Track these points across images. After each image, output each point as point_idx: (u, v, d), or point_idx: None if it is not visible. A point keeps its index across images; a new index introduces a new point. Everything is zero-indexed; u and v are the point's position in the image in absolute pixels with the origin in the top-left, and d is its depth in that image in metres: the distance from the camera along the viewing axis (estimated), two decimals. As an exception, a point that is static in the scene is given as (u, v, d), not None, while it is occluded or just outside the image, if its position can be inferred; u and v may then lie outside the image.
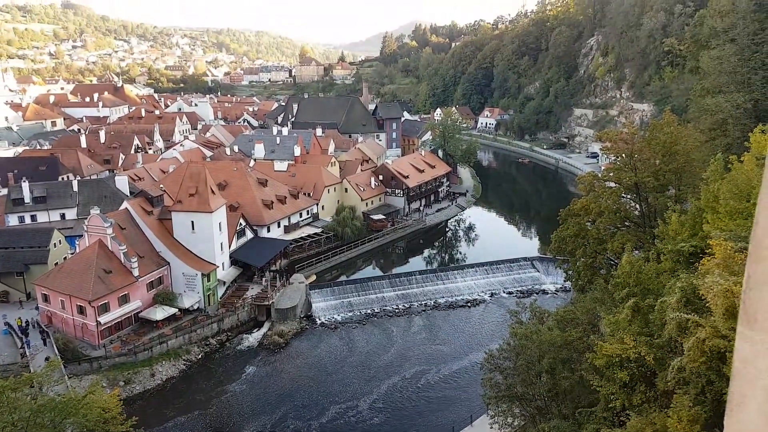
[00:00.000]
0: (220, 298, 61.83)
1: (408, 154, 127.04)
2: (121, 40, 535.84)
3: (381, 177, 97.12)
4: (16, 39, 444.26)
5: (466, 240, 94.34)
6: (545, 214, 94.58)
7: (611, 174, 47.11)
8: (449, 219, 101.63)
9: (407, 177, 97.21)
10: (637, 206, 47.20)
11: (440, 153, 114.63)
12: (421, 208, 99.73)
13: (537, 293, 69.10)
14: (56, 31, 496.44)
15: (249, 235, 70.97)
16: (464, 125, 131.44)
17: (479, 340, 58.26)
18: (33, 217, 70.92)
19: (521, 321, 35.61)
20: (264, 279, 65.79)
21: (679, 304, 20.31)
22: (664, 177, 43.53)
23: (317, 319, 62.92)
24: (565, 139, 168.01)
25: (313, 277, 69.77)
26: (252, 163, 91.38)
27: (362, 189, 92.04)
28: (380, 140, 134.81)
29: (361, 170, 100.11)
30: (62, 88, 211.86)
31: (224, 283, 63.19)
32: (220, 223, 60.84)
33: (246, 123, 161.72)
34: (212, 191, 60.05)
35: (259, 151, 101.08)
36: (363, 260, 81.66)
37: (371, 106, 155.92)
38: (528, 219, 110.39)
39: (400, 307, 66.29)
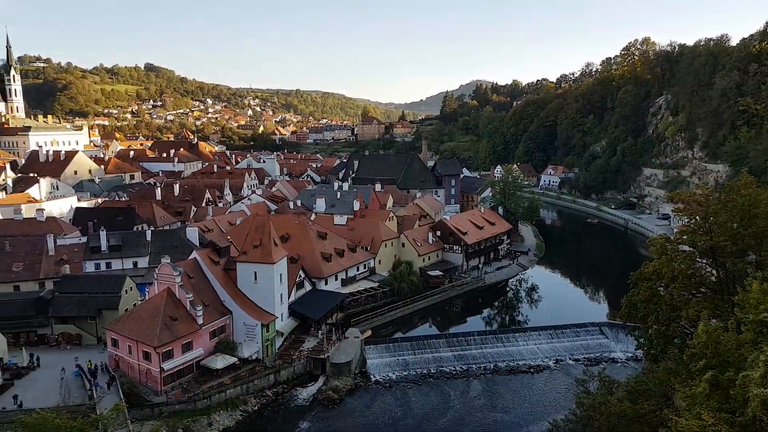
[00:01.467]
0: (278, 350, 62.29)
1: (467, 210, 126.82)
2: (198, 100, 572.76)
3: (439, 233, 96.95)
4: (103, 99, 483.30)
5: (528, 301, 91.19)
6: (614, 276, 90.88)
7: (685, 237, 44.92)
8: (510, 278, 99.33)
9: (466, 233, 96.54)
10: (714, 272, 44.53)
11: (501, 210, 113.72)
12: (480, 266, 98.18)
13: (605, 361, 65.80)
14: (139, 91, 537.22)
15: (307, 287, 71.92)
16: (526, 182, 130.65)
17: (543, 410, 55.37)
18: (108, 264, 74.77)
19: (588, 390, 33.91)
20: (320, 332, 65.96)
21: (763, 380, 18.82)
22: (743, 241, 41.08)
23: (372, 376, 61.98)
24: (635, 199, 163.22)
25: (369, 332, 69.29)
26: (313, 216, 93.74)
27: (419, 244, 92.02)
28: (438, 196, 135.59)
29: (419, 226, 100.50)
30: (141, 144, 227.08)
31: (282, 334, 63.76)
32: (281, 275, 62.10)
33: (309, 178, 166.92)
34: (275, 243, 61.71)
35: (320, 205, 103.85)
36: (419, 317, 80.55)
37: (430, 163, 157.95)
38: (595, 281, 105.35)
39: (457, 368, 64.43)
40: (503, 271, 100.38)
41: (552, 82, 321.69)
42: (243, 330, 59.34)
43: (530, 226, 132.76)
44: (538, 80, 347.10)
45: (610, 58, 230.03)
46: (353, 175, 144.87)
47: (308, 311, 67.47)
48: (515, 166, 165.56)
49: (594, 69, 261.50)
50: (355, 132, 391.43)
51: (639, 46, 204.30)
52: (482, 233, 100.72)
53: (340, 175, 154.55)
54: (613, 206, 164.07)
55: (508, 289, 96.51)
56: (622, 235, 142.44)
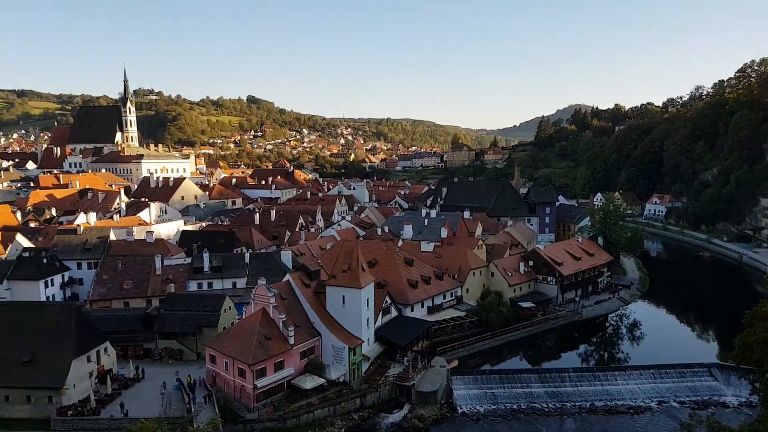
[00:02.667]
0: (364, 374, 62.50)
1: (563, 240, 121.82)
2: (294, 130, 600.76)
3: (531, 263, 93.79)
4: (209, 129, 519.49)
5: (629, 338, 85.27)
6: (726, 315, 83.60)
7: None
8: (610, 313, 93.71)
9: (561, 264, 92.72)
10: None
11: (600, 240, 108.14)
12: (577, 299, 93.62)
13: (715, 405, 60.11)
14: (241, 122, 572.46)
15: (393, 312, 71.96)
16: (629, 211, 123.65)
17: (643, 453, 51.30)
18: (210, 284, 79.16)
19: (697, 436, 30.87)
20: (406, 359, 65.47)
21: None
22: None
23: (458, 408, 60.37)
24: (750, 232, 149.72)
25: (455, 362, 67.82)
26: (400, 242, 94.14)
27: (510, 274, 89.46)
28: (531, 224, 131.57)
29: (510, 255, 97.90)
30: (242, 172, 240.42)
31: (368, 358, 63.99)
32: (368, 299, 62.69)
33: (397, 205, 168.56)
34: (363, 268, 62.55)
35: (408, 231, 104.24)
36: (509, 350, 77.83)
37: (523, 190, 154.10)
38: (704, 319, 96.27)
39: (550, 405, 61.29)
40: (602, 305, 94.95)
41: (658, 107, 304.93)
42: (331, 352, 60.29)
43: (633, 258, 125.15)
44: (642, 104, 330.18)
45: (723, 80, 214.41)
46: (441, 202, 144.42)
47: (394, 337, 67.36)
48: (617, 193, 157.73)
49: (704, 92, 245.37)
50: (444, 159, 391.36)
51: (756, 68, 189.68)
52: (579, 264, 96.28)
53: (428, 201, 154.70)
54: (725, 238, 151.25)
55: (607, 324, 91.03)
56: (735, 269, 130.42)
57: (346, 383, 59.78)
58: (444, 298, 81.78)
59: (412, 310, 75.29)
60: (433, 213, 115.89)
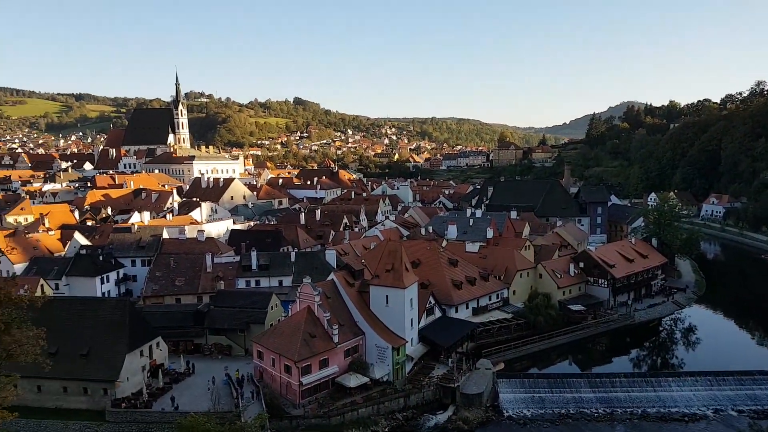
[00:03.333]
0: (407, 374, 62.26)
1: (615, 241, 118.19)
2: (339, 131, 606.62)
3: (582, 264, 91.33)
4: (257, 131, 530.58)
5: (684, 343, 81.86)
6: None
7: None
8: (664, 317, 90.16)
9: (613, 266, 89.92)
10: None
11: (654, 242, 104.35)
12: (629, 302, 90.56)
13: (777, 415, 56.84)
14: (288, 124, 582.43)
15: (437, 313, 71.39)
16: (684, 212, 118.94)
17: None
18: (257, 282, 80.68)
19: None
20: (450, 360, 64.84)
21: None
22: None
23: (504, 411, 59.31)
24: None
25: (501, 365, 66.66)
26: (444, 243, 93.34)
27: (559, 276, 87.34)
28: (582, 225, 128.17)
29: (559, 256, 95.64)
30: (289, 173, 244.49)
31: (412, 359, 63.71)
32: (411, 300, 62.43)
33: (441, 205, 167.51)
34: (406, 268, 62.33)
35: (452, 231, 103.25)
36: (557, 353, 75.95)
37: (573, 189, 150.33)
38: (766, 325, 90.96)
39: (599, 411, 59.48)
40: (656, 309, 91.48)
41: (715, 103, 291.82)
42: (375, 351, 60.35)
43: (689, 261, 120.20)
44: (699, 101, 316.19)
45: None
46: (487, 202, 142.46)
47: (438, 338, 66.85)
48: (672, 193, 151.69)
49: (766, 88, 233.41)
50: (491, 158, 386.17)
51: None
52: (632, 266, 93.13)
53: (474, 201, 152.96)
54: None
55: (660, 328, 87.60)
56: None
57: (390, 383, 59.71)
58: (490, 299, 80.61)
59: (456, 311, 74.54)
60: (479, 213, 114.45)
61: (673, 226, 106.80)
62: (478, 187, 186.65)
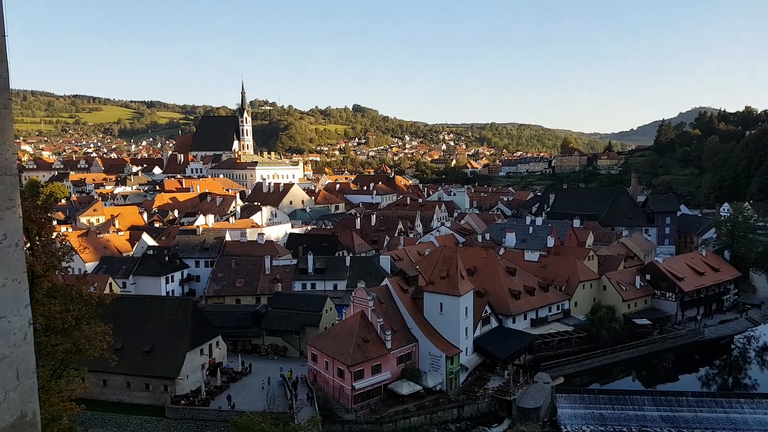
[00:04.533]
0: (462, 384, 61.11)
1: (684, 252, 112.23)
2: (397, 137, 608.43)
3: (648, 276, 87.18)
4: (316, 137, 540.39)
5: (758, 362, 76.60)
6: None
7: None
8: (736, 334, 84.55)
9: (682, 279, 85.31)
10: None
11: (727, 254, 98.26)
12: (699, 317, 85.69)
13: None
14: (347, 130, 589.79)
15: (493, 323, 69.78)
16: (760, 223, 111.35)
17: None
18: (313, 285, 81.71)
19: None
20: (506, 372, 63.16)
21: None
22: None
23: (562, 427, 57.16)
24: None
25: (561, 379, 64.38)
26: (502, 251, 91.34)
27: (624, 288, 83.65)
28: (649, 235, 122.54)
29: (624, 267, 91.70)
30: (346, 178, 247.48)
31: (466, 369, 62.50)
32: (466, 308, 61.28)
33: (499, 212, 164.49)
34: (462, 276, 61.28)
35: (510, 239, 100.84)
36: (620, 369, 72.60)
37: (640, 198, 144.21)
38: None
39: (664, 430, 56.35)
40: (728, 326, 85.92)
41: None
42: (428, 359, 59.60)
43: (765, 275, 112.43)
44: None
45: None
46: (548, 209, 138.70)
47: (494, 349, 65.29)
48: (747, 203, 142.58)
49: None
50: (553, 164, 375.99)
51: None
52: (702, 280, 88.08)
53: (534, 209, 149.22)
54: None
55: (732, 346, 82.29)
56: None
57: (443, 392, 58.79)
58: (549, 311, 78.05)
59: (513, 322, 72.60)
60: (539, 221, 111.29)
61: (747, 238, 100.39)
62: (539, 194, 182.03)
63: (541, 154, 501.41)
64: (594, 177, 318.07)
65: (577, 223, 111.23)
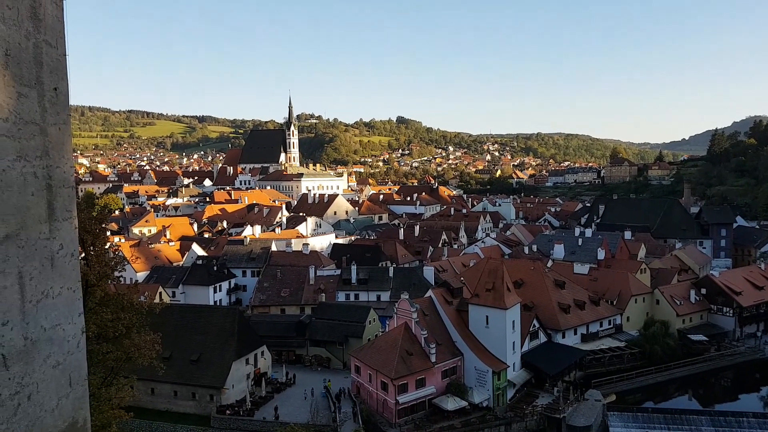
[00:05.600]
0: (509, 400, 59.64)
1: (741, 266, 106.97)
2: (440, 148, 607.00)
3: (704, 291, 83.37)
4: (360, 149, 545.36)
5: (827, 384, 72.03)
6: None
7: None
8: (801, 352, 79.88)
9: (740, 293, 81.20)
10: None
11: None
12: (759, 334, 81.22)
13: None
14: (390, 142, 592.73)
15: (542, 338, 67.95)
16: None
17: None
18: (356, 296, 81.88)
19: None
20: (555, 389, 61.33)
21: None
22: None
23: (615, 447, 54.98)
24: None
25: (613, 397, 62.07)
26: (550, 263, 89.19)
27: (678, 302, 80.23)
28: (704, 248, 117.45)
29: (678, 281, 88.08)
30: (389, 189, 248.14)
31: (513, 385, 61.01)
32: (513, 322, 59.96)
33: (547, 223, 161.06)
34: (508, 288, 60.06)
35: (559, 251, 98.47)
36: (675, 387, 69.45)
37: (694, 209, 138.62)
38: None
39: (725, 454, 53.42)
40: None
41: None
42: (474, 374, 58.49)
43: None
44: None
45: None
46: (598, 221, 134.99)
47: (543, 364, 63.53)
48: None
49: None
50: (602, 174, 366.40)
51: None
52: (762, 295, 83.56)
53: (583, 220, 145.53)
54: None
55: (799, 366, 77.57)
56: None
57: (490, 408, 57.49)
58: (600, 325, 75.47)
59: (563, 337, 70.51)
60: (589, 232, 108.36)
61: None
62: (588, 204, 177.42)
63: (590, 164, 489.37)
64: (645, 187, 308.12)
65: (628, 234, 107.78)
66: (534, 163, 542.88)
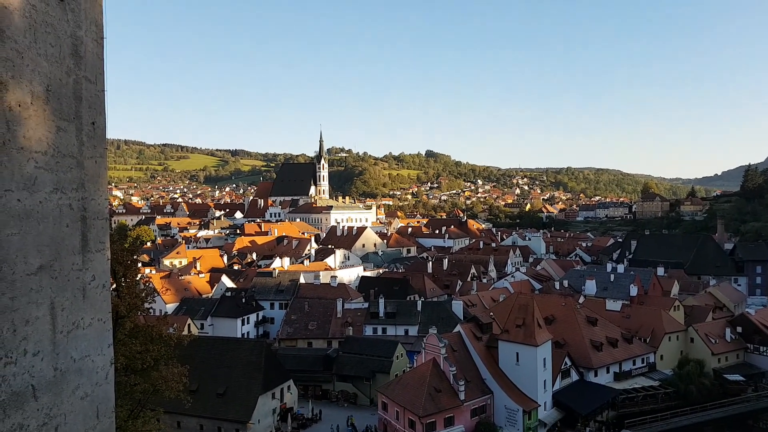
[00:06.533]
0: (540, 442, 57.71)
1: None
2: (469, 181, 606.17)
3: (740, 329, 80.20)
4: (389, 182, 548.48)
5: None
6: None
7: None
8: None
9: (780, 333, 77.85)
10: None
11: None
12: (801, 376, 77.39)
13: None
14: (419, 175, 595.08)
15: (574, 376, 65.93)
16: None
17: None
18: (384, 330, 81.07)
19: None
20: (588, 429, 59.19)
21: None
22: None
23: (653, 494, 52.31)
24: None
25: (649, 439, 59.44)
26: (581, 299, 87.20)
27: (713, 341, 77.23)
28: (739, 285, 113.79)
29: (713, 319, 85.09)
30: (418, 222, 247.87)
31: (545, 424, 58.98)
32: (544, 359, 58.44)
33: (578, 258, 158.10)
34: (539, 324, 58.80)
35: (590, 287, 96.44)
36: (712, 429, 65.90)
37: (728, 246, 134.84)
38: None
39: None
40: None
41: None
42: (504, 413, 56.88)
43: None
44: None
45: None
46: (630, 256, 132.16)
47: (575, 404, 61.48)
48: None
49: None
50: (633, 209, 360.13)
51: None
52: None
53: (615, 255, 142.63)
54: None
55: None
56: None
57: (521, 449, 55.69)
58: (633, 364, 72.98)
59: (595, 375, 68.31)
60: (621, 268, 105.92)
61: None
62: (620, 240, 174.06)
63: (621, 199, 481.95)
64: (677, 223, 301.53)
65: (661, 271, 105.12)
66: (564, 198, 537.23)
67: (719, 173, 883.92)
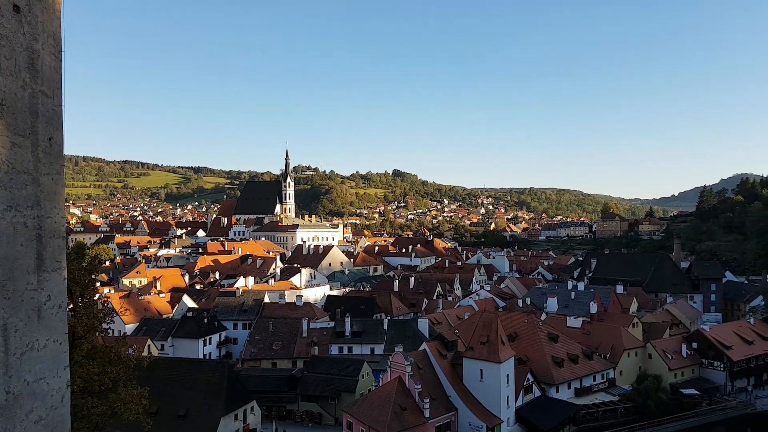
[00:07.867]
0: (504, 459, 58.03)
1: (731, 320, 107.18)
2: (435, 200, 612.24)
3: (695, 345, 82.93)
4: (356, 201, 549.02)
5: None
6: None
7: None
8: (794, 407, 78.66)
9: (730, 348, 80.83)
10: None
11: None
12: (750, 388, 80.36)
13: None
14: (386, 194, 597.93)
15: (536, 392, 66.78)
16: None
17: None
18: (350, 349, 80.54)
19: None
20: (552, 446, 59.83)
21: None
22: None
23: None
24: None
25: (610, 455, 60.46)
26: (543, 316, 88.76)
27: (670, 357, 79.54)
28: (694, 302, 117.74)
29: (670, 335, 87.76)
30: (385, 241, 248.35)
31: (509, 442, 59.54)
32: (507, 376, 59.12)
33: (540, 276, 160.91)
34: (502, 341, 59.54)
35: (552, 304, 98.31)
36: (672, 443, 67.76)
37: (684, 264, 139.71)
38: None
39: None
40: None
41: None
42: (468, 430, 57.10)
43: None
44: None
45: None
46: (590, 275, 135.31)
47: (537, 419, 62.18)
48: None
49: None
50: (594, 229, 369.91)
51: None
52: (752, 349, 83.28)
53: (575, 273, 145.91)
54: None
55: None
56: None
57: (484, 466, 55.84)
58: (594, 380, 74.46)
59: (557, 391, 69.35)
60: (581, 286, 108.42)
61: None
62: (581, 258, 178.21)
63: (582, 218, 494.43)
64: (636, 242, 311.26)
65: (620, 288, 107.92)
66: (527, 217, 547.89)
67: (676, 194, 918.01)
